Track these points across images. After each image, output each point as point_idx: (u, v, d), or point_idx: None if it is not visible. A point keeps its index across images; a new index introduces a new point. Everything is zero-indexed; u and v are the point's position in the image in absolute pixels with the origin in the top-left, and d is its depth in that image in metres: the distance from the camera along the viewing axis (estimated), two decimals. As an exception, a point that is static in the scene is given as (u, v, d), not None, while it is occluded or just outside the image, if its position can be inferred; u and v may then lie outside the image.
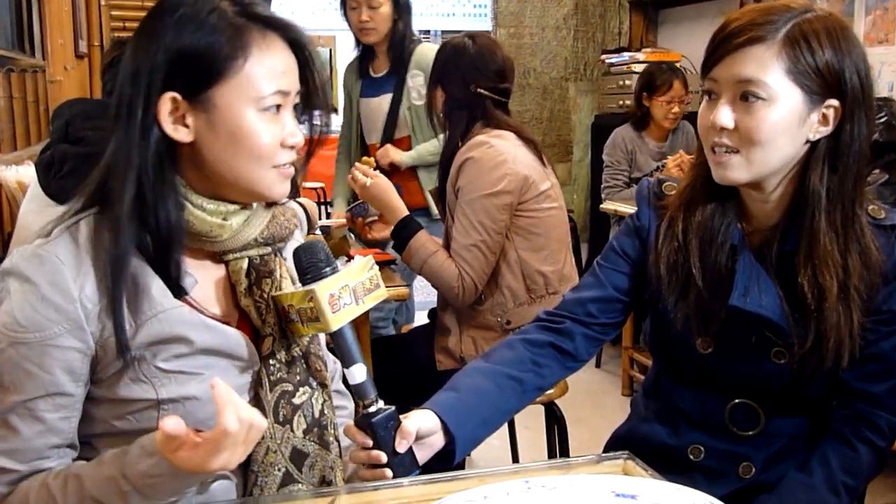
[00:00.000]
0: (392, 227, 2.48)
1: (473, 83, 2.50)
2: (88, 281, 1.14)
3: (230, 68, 1.16)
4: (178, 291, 1.19)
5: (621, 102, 5.57)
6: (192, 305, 1.21)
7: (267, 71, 1.18)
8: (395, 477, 1.23)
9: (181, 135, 1.17)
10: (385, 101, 3.57)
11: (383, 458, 1.22)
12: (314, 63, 1.25)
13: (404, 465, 1.24)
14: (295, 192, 3.06)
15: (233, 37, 1.16)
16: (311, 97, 1.26)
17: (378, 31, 3.44)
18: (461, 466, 1.56)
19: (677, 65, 5.29)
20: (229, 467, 1.04)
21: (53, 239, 1.17)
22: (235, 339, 1.23)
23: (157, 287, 1.17)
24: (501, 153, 2.40)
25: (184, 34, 1.15)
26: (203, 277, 1.24)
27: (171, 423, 1.00)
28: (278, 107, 1.20)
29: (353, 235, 3.15)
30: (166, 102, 1.15)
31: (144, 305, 1.16)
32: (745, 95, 1.30)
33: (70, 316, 1.13)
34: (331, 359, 1.48)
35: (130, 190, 1.15)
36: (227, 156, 1.19)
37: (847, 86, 1.30)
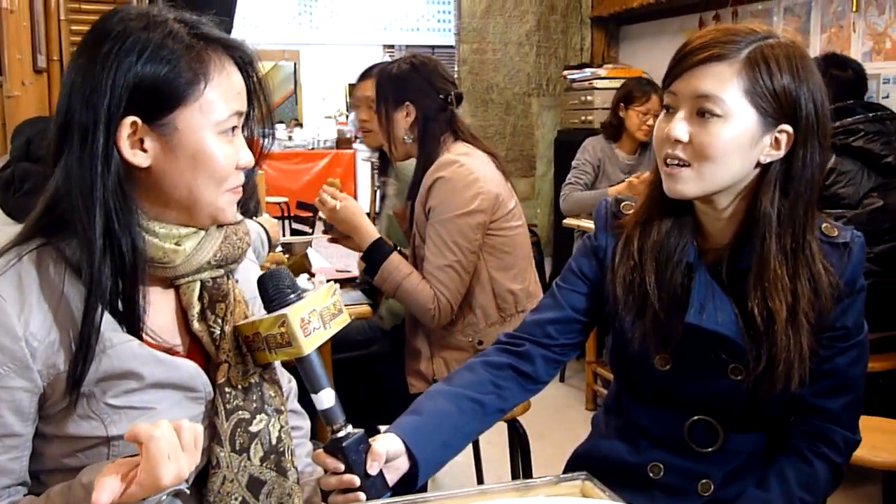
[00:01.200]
0: (363, 251, 2.45)
1: (444, 92, 2.50)
2: (34, 318, 1.11)
3: (192, 93, 1.15)
4: (130, 325, 1.17)
5: (584, 118, 5.63)
6: (144, 337, 1.18)
7: (224, 93, 1.18)
8: (367, 500, 1.22)
9: (139, 159, 1.15)
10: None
11: (356, 481, 1.21)
12: (262, 83, 1.25)
13: (376, 487, 1.24)
14: (256, 211, 3.03)
15: (192, 61, 1.15)
16: (253, 117, 1.27)
17: (375, 134, 2.93)
18: (424, 484, 1.55)
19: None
20: (183, 476, 1.01)
21: None
22: (188, 370, 1.21)
23: (105, 321, 1.14)
24: (472, 172, 2.38)
25: (143, 60, 1.12)
26: (151, 303, 1.21)
27: (104, 498, 0.97)
28: (234, 128, 1.20)
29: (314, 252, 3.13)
30: (125, 127, 1.13)
31: (92, 341, 1.13)
32: (702, 111, 1.32)
33: (16, 356, 1.11)
34: (285, 379, 1.47)
35: (101, 219, 1.12)
36: (185, 179, 1.17)
37: (802, 112, 1.32)
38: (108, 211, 1.13)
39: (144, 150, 1.15)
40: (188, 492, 1.11)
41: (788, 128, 1.33)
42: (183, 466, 1.01)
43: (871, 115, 3.10)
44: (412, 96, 2.50)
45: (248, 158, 1.23)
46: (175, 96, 1.14)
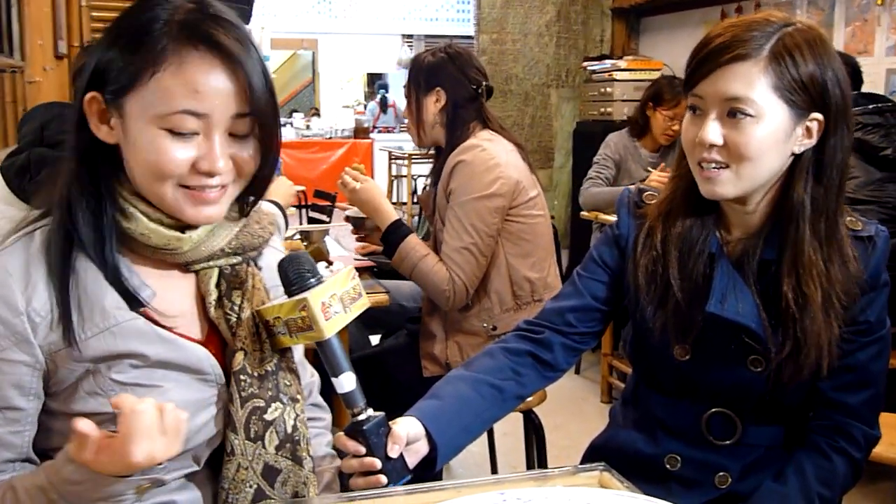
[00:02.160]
0: (382, 232, 2.47)
1: (475, 82, 2.53)
2: (37, 294, 1.12)
3: (137, 81, 1.11)
4: (134, 303, 1.17)
5: (603, 109, 5.60)
6: (149, 317, 1.18)
7: (175, 89, 1.10)
8: (388, 482, 1.22)
9: (103, 133, 1.16)
10: None
11: (377, 464, 1.22)
12: (254, 89, 1.14)
13: (397, 470, 1.24)
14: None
15: (145, 49, 1.11)
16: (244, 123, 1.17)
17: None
18: (439, 472, 1.55)
19: (658, 73, 5.33)
20: (155, 459, 0.99)
21: (5, 248, 1.15)
22: (194, 352, 1.21)
23: (110, 299, 1.15)
24: (493, 156, 2.40)
25: (111, 39, 1.14)
26: (168, 288, 1.22)
27: (84, 424, 0.98)
28: (195, 131, 1.13)
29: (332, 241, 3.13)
30: (89, 102, 1.15)
31: (97, 318, 1.14)
32: (733, 112, 1.31)
33: (16, 329, 1.11)
34: (307, 371, 1.47)
35: (64, 191, 1.16)
36: (135, 166, 1.16)
37: (830, 98, 1.31)
38: (70, 188, 1.16)
39: (111, 128, 1.16)
40: (166, 480, 1.10)
41: (819, 115, 1.32)
42: (157, 449, 0.99)
43: (870, 106, 3.04)
44: (444, 83, 2.53)
45: (211, 163, 1.13)
46: (124, 79, 1.12)
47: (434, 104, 2.54)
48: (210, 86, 1.11)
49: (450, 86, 2.53)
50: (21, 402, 1.14)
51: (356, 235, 2.66)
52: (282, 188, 2.70)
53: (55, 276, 1.13)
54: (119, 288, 1.16)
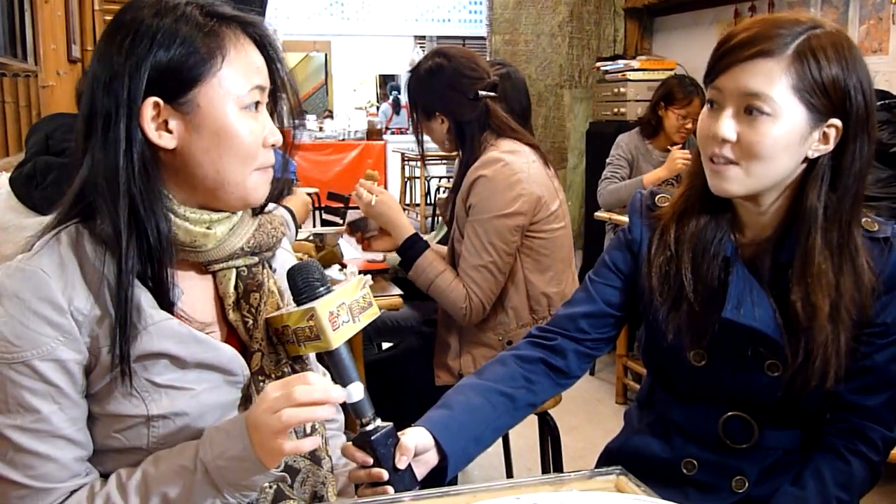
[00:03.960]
0: (398, 246, 2.45)
1: (471, 89, 2.44)
2: (76, 293, 1.13)
3: (209, 69, 1.16)
4: (167, 303, 1.18)
5: (616, 110, 5.59)
6: (180, 318, 1.19)
7: (243, 68, 1.18)
8: (396, 493, 1.21)
9: (165, 141, 1.16)
10: None
11: (385, 475, 1.21)
12: (279, 58, 1.26)
13: (404, 481, 1.23)
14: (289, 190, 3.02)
15: (206, 38, 1.16)
16: (277, 93, 1.27)
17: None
18: (455, 476, 1.55)
19: (672, 73, 5.31)
20: (286, 448, 1.09)
21: (36, 252, 1.16)
22: (225, 353, 1.22)
23: (146, 299, 1.16)
24: (516, 172, 2.35)
25: (156, 43, 1.14)
26: (189, 289, 1.23)
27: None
28: (257, 104, 1.21)
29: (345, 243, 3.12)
30: (148, 108, 1.14)
31: (134, 318, 1.14)
32: (749, 109, 1.29)
33: (64, 328, 1.12)
34: (320, 372, 1.47)
35: (125, 202, 1.13)
36: (212, 157, 1.17)
37: (852, 105, 1.29)
38: (133, 195, 1.13)
39: (170, 132, 1.16)
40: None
41: (838, 122, 1.30)
42: (295, 446, 1.11)
43: (878, 102, 3.02)
44: (440, 105, 2.47)
45: (277, 135, 1.23)
46: (192, 74, 1.15)
47: (440, 126, 2.49)
48: (261, 60, 1.22)
49: (446, 106, 2.45)
50: (78, 398, 1.15)
51: (363, 240, 2.63)
52: (299, 201, 2.70)
53: (91, 277, 1.14)
54: (151, 288, 1.17)
